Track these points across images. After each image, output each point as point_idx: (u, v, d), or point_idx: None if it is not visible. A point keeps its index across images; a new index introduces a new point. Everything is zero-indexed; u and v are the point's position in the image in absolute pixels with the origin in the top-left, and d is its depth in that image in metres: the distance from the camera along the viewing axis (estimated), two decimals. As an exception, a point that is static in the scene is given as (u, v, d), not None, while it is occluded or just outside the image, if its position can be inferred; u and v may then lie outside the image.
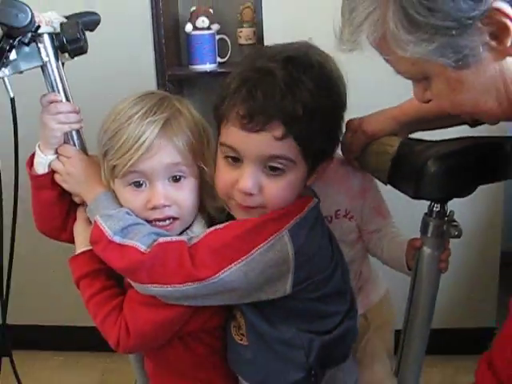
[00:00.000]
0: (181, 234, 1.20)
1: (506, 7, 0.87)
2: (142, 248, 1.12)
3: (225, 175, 1.16)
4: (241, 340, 1.25)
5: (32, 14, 1.09)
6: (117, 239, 1.14)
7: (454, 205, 1.27)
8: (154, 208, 1.15)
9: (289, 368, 1.21)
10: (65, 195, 1.27)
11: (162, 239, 1.13)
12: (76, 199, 1.27)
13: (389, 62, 1.02)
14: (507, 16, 0.88)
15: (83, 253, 1.25)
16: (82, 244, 1.26)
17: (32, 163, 1.26)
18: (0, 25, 1.06)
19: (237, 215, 1.18)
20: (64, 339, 2.61)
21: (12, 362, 1.46)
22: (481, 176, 1.27)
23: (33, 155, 1.26)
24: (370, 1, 0.94)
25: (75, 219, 1.30)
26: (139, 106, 1.16)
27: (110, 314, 1.19)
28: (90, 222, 1.24)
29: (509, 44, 0.90)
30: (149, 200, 1.16)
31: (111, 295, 1.21)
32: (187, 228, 1.21)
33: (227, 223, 1.17)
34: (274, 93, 1.06)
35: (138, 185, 1.16)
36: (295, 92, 1.07)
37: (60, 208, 1.28)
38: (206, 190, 1.22)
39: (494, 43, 0.91)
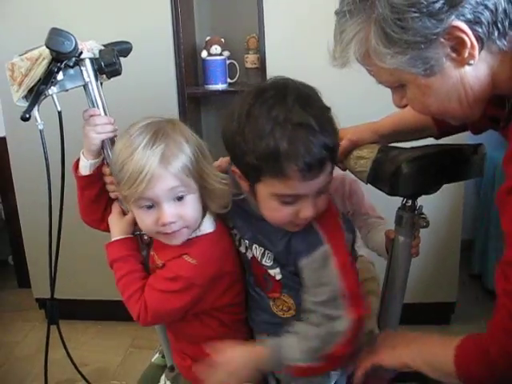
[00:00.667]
0: None
1: (462, 25, 0.89)
2: None
3: (283, 213, 1.08)
4: (283, 314, 1.20)
5: (76, 42, 1.08)
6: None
7: (423, 200, 1.25)
8: (163, 225, 1.13)
9: None
10: (104, 193, 1.26)
11: None
12: (112, 195, 1.26)
13: (372, 73, 1.02)
14: (464, 32, 0.89)
15: (116, 240, 1.24)
16: (115, 233, 1.24)
17: (77, 166, 1.25)
18: (50, 51, 1.05)
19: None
20: (101, 311, 2.59)
21: (59, 329, 1.46)
22: (445, 176, 1.25)
23: (78, 160, 1.25)
24: (356, 24, 0.95)
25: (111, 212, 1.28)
26: (139, 139, 1.10)
27: (135, 293, 1.19)
28: (124, 213, 1.24)
29: (466, 55, 0.92)
30: (158, 218, 1.13)
31: (137, 278, 1.20)
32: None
33: None
34: (317, 144, 1.00)
35: (148, 207, 1.13)
36: (326, 130, 1.02)
37: (99, 203, 1.27)
38: (206, 195, 1.17)
39: (454, 55, 0.93)
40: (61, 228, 1.31)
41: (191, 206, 1.14)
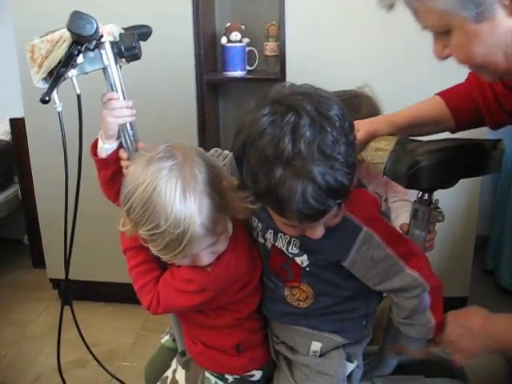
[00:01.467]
0: None
1: None
2: None
3: (290, 230, 1.06)
4: (298, 305, 1.20)
5: (97, 25, 1.07)
6: None
7: (439, 195, 1.24)
8: (200, 265, 1.11)
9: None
10: (120, 173, 1.24)
11: None
12: (125, 172, 1.22)
13: (418, 15, 1.00)
14: None
15: None
16: None
17: (95, 148, 1.24)
18: (71, 33, 1.05)
19: None
20: (113, 293, 2.62)
21: (72, 310, 1.46)
22: (463, 171, 1.24)
23: (95, 142, 1.24)
24: None
25: None
26: (168, 190, 1.01)
27: (147, 284, 1.19)
28: None
29: None
30: (194, 261, 1.11)
31: (150, 269, 1.20)
32: None
33: None
34: (320, 193, 0.91)
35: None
36: (330, 175, 0.91)
37: (116, 182, 1.24)
38: (230, 209, 1.11)
39: (507, 2, 0.91)
40: (77, 210, 1.31)
41: (224, 241, 1.12)
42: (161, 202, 1.01)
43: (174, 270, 1.18)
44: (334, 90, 1.31)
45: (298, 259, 1.14)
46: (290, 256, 1.15)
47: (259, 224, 1.18)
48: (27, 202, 2.85)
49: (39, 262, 2.89)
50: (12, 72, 2.48)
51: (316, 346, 1.21)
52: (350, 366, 1.25)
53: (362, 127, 1.33)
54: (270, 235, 1.16)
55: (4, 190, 2.98)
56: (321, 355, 1.22)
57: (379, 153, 1.30)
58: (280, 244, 1.15)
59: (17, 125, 2.74)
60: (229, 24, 2.49)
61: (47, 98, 1.05)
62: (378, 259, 1.09)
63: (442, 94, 1.41)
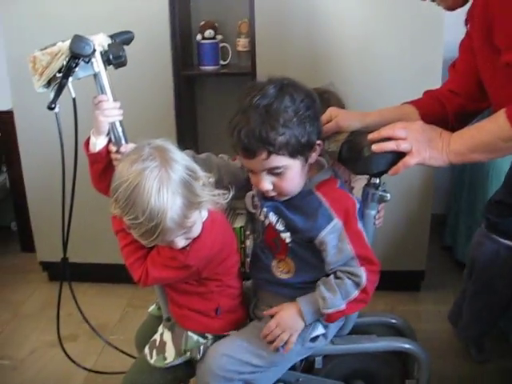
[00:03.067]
0: None
1: None
2: None
3: (253, 179, 1.32)
4: (280, 276, 1.42)
5: (93, 45, 1.24)
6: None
7: (397, 176, 1.34)
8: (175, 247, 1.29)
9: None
10: (110, 166, 1.38)
11: None
12: (115, 163, 1.37)
13: None
14: None
15: None
16: None
17: (87, 145, 1.38)
18: (72, 53, 1.23)
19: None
20: (100, 274, 2.76)
21: (70, 286, 1.64)
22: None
23: (88, 138, 1.38)
24: None
25: None
26: (148, 184, 1.18)
27: (137, 260, 1.35)
28: None
29: None
30: (170, 244, 1.28)
31: (139, 247, 1.34)
32: None
33: None
34: (254, 132, 1.20)
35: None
36: (270, 125, 1.19)
37: (107, 175, 1.36)
38: (204, 204, 1.27)
39: None
40: (74, 196, 1.47)
41: (197, 228, 1.30)
42: (139, 198, 1.18)
43: (159, 248, 1.34)
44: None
45: (283, 235, 1.37)
46: (278, 232, 1.37)
47: (260, 204, 1.40)
48: (15, 189, 2.98)
49: (27, 246, 3.02)
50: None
51: None
52: (320, 330, 1.44)
53: (336, 117, 1.48)
54: (266, 213, 1.38)
55: (-8, 178, 3.08)
56: None
57: (335, 143, 1.47)
58: (273, 220, 1.37)
59: (4, 117, 2.86)
60: (203, 22, 2.61)
61: (53, 106, 1.24)
62: (340, 249, 1.31)
63: (410, 102, 1.60)
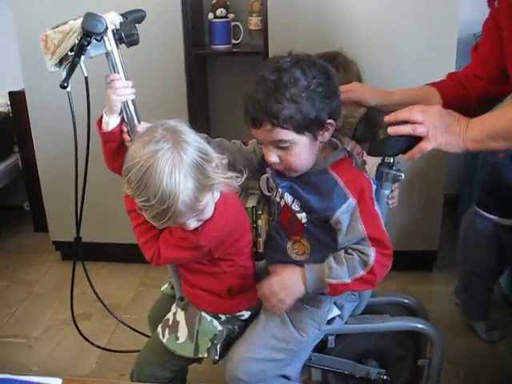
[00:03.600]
0: None
1: None
2: None
3: (263, 151, 1.32)
4: (295, 257, 1.40)
5: (106, 23, 1.23)
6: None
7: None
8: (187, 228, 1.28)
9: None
10: (124, 145, 1.38)
11: None
12: (127, 144, 1.37)
13: None
14: None
15: None
16: None
17: (100, 123, 1.38)
18: (85, 31, 1.21)
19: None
20: (113, 253, 2.78)
21: (84, 265, 1.64)
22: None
23: (101, 117, 1.37)
24: None
25: None
26: (160, 165, 1.17)
27: (150, 240, 1.35)
28: None
29: None
30: (182, 225, 1.27)
31: (151, 227, 1.32)
32: None
33: None
34: (260, 103, 1.21)
35: None
36: (275, 98, 1.19)
37: (120, 154, 1.35)
38: (216, 187, 1.26)
39: None
40: (86, 175, 1.47)
41: (209, 210, 1.28)
42: (151, 181, 1.17)
43: (171, 228, 1.34)
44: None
45: (299, 215, 1.35)
46: (294, 212, 1.35)
47: (275, 185, 1.39)
48: (27, 170, 2.99)
49: (40, 226, 3.04)
50: (10, 46, 2.58)
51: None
52: (336, 311, 1.45)
53: (358, 92, 1.47)
54: (281, 194, 1.37)
55: (4, 159, 3.09)
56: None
57: (351, 120, 1.46)
58: (289, 200, 1.35)
59: (16, 97, 2.87)
60: (215, 0, 2.59)
61: (66, 84, 1.23)
62: (352, 228, 1.30)
63: (433, 84, 1.57)
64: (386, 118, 1.30)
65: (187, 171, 1.19)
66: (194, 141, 1.24)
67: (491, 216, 2.09)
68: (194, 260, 1.38)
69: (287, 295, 1.35)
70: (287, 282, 1.36)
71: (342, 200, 1.29)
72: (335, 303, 1.44)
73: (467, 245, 2.20)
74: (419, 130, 1.27)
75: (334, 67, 1.34)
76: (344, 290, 1.34)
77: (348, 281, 1.31)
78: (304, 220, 1.35)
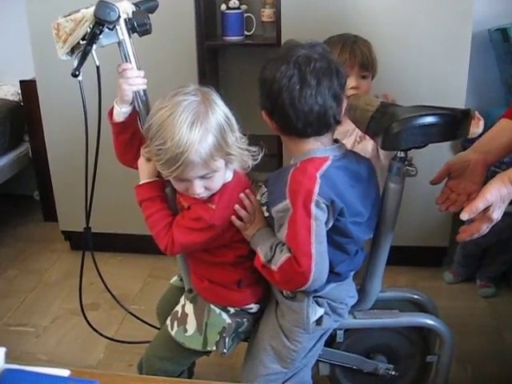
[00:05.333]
0: None
1: None
2: None
3: None
4: None
5: (119, 11, 1.22)
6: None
7: (421, 151, 1.36)
8: (192, 194, 1.28)
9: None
10: (136, 136, 1.39)
11: None
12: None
13: None
14: None
15: (145, 183, 1.37)
16: (144, 176, 1.37)
17: (111, 114, 1.37)
18: (97, 19, 1.21)
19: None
20: (122, 244, 2.78)
21: (92, 255, 1.64)
22: (433, 136, 1.34)
23: (112, 108, 1.37)
24: None
25: None
26: (182, 118, 1.19)
27: (163, 229, 1.35)
28: (149, 159, 1.34)
29: None
30: (188, 188, 1.27)
31: (164, 216, 1.35)
32: None
33: None
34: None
35: (178, 179, 1.27)
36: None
37: (132, 145, 1.39)
38: (229, 160, 1.28)
39: None
40: (96, 165, 1.46)
41: (217, 180, 1.29)
42: (172, 125, 1.20)
43: (184, 212, 1.35)
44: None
45: (263, 209, 1.38)
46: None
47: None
48: (38, 159, 2.99)
49: (50, 215, 3.04)
50: (22, 34, 2.57)
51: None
52: (319, 311, 1.41)
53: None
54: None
55: (14, 148, 3.10)
56: (291, 298, 1.40)
57: (364, 114, 1.41)
58: (262, 191, 1.37)
59: (27, 86, 2.87)
60: None
61: (77, 73, 1.22)
62: (280, 228, 1.29)
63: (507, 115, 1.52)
64: (466, 216, 1.23)
65: (210, 127, 1.22)
66: (222, 106, 1.27)
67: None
68: (206, 244, 1.36)
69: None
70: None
71: (281, 199, 1.27)
72: (317, 302, 1.41)
73: None
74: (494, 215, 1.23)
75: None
76: (259, 266, 1.33)
77: (262, 260, 1.30)
78: (266, 214, 1.37)
